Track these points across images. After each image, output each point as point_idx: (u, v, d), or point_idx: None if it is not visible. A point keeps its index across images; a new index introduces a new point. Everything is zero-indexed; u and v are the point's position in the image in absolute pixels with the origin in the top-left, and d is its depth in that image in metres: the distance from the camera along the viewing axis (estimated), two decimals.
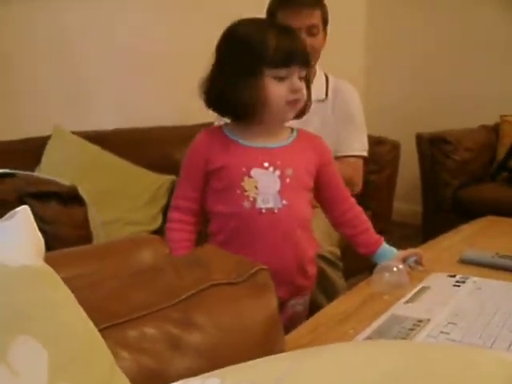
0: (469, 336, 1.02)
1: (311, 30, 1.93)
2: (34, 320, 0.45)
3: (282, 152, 1.30)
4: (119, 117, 2.66)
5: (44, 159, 2.17)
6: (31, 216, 0.52)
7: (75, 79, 2.58)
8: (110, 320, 0.61)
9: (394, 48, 3.85)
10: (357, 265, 2.18)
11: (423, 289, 1.26)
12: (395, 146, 2.72)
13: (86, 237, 1.61)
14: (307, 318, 1.47)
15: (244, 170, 1.26)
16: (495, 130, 3.20)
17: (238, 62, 1.25)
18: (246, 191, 1.26)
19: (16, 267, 0.47)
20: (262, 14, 1.93)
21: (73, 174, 1.95)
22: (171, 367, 0.62)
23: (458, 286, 1.27)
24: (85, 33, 2.58)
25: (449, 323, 1.07)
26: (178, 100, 2.85)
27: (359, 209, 1.44)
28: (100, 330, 0.53)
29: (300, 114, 1.34)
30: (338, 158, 2.06)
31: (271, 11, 1.99)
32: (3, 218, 0.52)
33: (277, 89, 1.24)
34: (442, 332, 1.03)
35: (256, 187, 1.26)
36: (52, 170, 2.04)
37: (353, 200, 1.45)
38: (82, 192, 1.65)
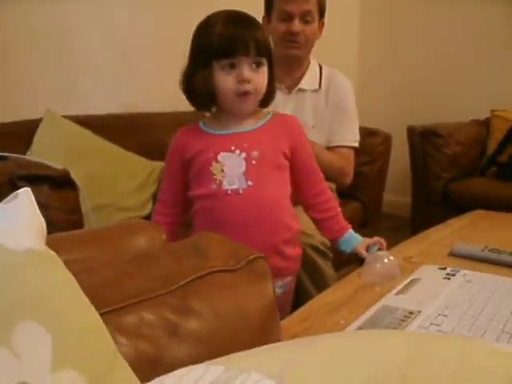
0: (459, 328, 1.03)
1: (305, 17, 1.93)
2: (38, 305, 0.45)
3: (250, 135, 1.34)
4: (111, 102, 2.65)
5: (35, 143, 2.15)
6: (33, 198, 0.52)
7: (67, 64, 2.55)
8: (107, 306, 0.61)
9: (387, 41, 3.86)
10: (347, 255, 2.19)
11: (414, 280, 1.27)
12: (387, 138, 2.73)
13: (77, 222, 1.61)
14: (293, 303, 1.49)
15: (212, 155, 1.32)
16: (486, 125, 3.22)
17: (194, 55, 1.30)
18: (214, 175, 1.32)
19: (19, 251, 0.46)
20: (259, 7, 1.93)
21: (64, 158, 1.93)
22: (169, 353, 0.62)
23: (449, 278, 1.28)
24: (77, 20, 2.55)
25: (439, 315, 1.08)
26: (169, 86, 2.83)
27: (330, 195, 1.47)
28: None
29: (264, 104, 1.37)
30: (330, 148, 2.07)
31: None
32: (5, 201, 0.51)
33: (223, 80, 1.26)
34: (432, 324, 1.04)
35: (222, 170, 1.31)
36: (43, 153, 2.02)
37: (325, 185, 1.47)
38: (73, 176, 1.64)
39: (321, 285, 1.69)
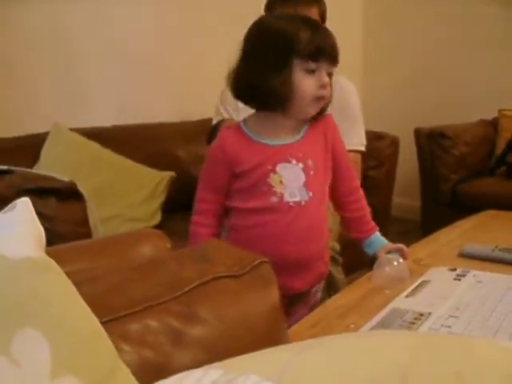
0: (470, 329, 1.02)
1: None
2: (36, 312, 0.45)
3: (301, 144, 1.31)
4: (117, 114, 2.66)
5: (42, 156, 2.17)
6: (32, 208, 0.52)
7: (73, 77, 2.57)
8: (111, 313, 0.61)
9: (392, 44, 3.85)
10: (357, 260, 2.18)
11: (424, 283, 1.26)
12: (394, 142, 2.72)
13: (85, 233, 1.61)
14: None
15: (270, 167, 1.27)
16: (494, 125, 3.20)
17: (270, 53, 1.24)
18: (273, 187, 1.27)
19: (17, 259, 0.46)
20: (260, 10, 1.93)
21: (71, 171, 1.94)
22: (173, 360, 0.61)
23: (459, 279, 1.27)
24: (83, 31, 2.57)
25: (450, 316, 1.07)
26: (176, 97, 2.85)
27: (362, 193, 1.43)
28: (101, 324, 0.52)
29: (320, 112, 1.33)
30: None
31: (269, 6, 1.98)
32: (4, 210, 0.51)
33: (305, 81, 1.23)
34: (443, 325, 1.03)
35: (281, 182, 1.27)
36: (50, 166, 2.03)
37: (358, 183, 1.45)
38: (80, 188, 1.64)
39: (331, 290, 1.68)
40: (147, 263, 0.75)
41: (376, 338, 0.45)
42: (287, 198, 1.27)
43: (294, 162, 1.28)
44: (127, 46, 2.71)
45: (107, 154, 2.30)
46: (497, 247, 1.44)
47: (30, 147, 2.16)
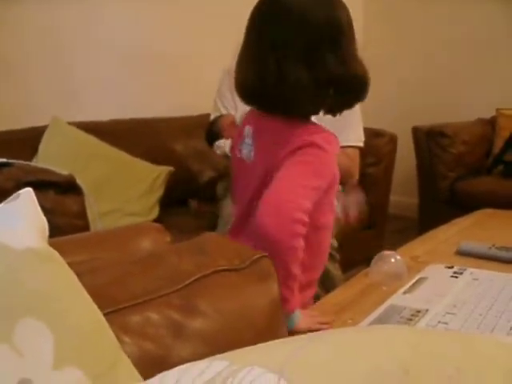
0: (467, 326, 1.02)
1: None
2: (39, 302, 0.45)
3: None
4: (116, 108, 2.66)
5: (41, 149, 2.16)
6: (34, 198, 0.52)
7: (72, 71, 2.57)
8: (112, 305, 0.61)
9: (392, 42, 3.85)
10: (354, 257, 2.19)
11: (421, 279, 1.26)
12: (392, 139, 2.72)
13: (83, 226, 1.61)
14: None
15: None
16: (491, 124, 3.21)
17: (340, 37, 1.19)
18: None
19: (21, 249, 0.46)
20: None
21: (70, 165, 1.94)
22: (174, 353, 0.62)
23: (456, 277, 1.27)
24: (82, 25, 2.57)
25: (447, 313, 1.07)
26: (174, 91, 2.85)
27: None
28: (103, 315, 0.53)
29: None
30: None
31: None
32: (7, 200, 0.51)
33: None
34: (440, 322, 1.04)
35: None
36: (49, 160, 2.03)
37: None
38: (79, 182, 1.64)
39: (328, 287, 1.68)
40: (147, 256, 0.75)
41: (377, 332, 0.45)
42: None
43: None
44: (125, 41, 2.71)
45: (105, 148, 2.29)
46: (493, 245, 1.45)
47: (28, 140, 2.16)
